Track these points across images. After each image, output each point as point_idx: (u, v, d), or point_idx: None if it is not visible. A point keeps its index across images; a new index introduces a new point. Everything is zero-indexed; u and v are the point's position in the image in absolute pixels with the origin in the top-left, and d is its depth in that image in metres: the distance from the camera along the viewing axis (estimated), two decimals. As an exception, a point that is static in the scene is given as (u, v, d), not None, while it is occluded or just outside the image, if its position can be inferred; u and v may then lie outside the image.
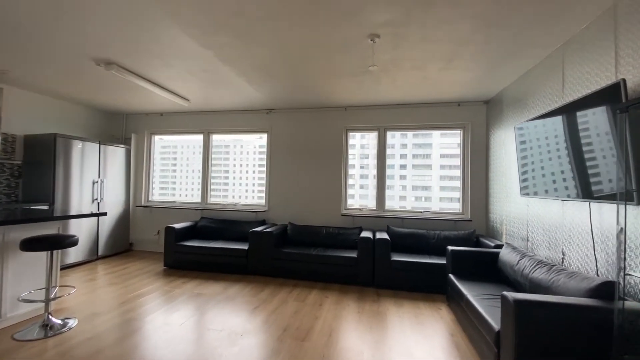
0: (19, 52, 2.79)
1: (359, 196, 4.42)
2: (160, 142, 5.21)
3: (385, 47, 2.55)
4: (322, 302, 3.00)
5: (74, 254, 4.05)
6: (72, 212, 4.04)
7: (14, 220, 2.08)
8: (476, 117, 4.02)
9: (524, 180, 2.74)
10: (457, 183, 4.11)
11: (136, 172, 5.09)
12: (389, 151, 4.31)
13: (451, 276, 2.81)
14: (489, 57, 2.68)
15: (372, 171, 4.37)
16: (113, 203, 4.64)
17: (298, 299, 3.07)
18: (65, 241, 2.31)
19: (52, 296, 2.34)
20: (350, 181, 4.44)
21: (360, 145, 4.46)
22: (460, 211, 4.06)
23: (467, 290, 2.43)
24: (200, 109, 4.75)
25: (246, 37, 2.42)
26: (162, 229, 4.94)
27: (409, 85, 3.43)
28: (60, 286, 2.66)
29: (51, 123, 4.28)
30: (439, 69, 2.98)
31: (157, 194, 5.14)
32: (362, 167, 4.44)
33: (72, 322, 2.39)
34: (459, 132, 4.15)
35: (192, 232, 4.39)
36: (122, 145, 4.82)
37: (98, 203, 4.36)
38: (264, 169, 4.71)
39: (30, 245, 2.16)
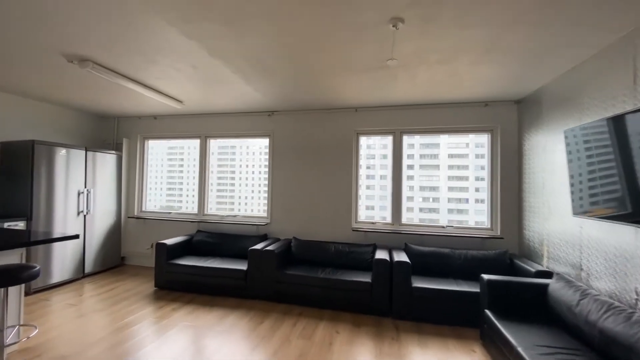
0: (-22, 48, 2.39)
1: (373, 208, 3.94)
2: (167, 144, 4.75)
3: (409, 35, 2.07)
4: (332, 339, 2.54)
5: (58, 273, 3.66)
6: (56, 227, 3.68)
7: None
8: (506, 119, 3.51)
9: (579, 197, 2.23)
10: (481, 195, 3.61)
11: (128, 180, 4.70)
12: (386, 155, 3.82)
13: (488, 313, 2.32)
14: (535, 45, 2.18)
15: (380, 180, 3.89)
16: (102, 214, 4.26)
17: (304, 335, 2.61)
18: (21, 275, 1.89)
19: (6, 341, 1.92)
20: (362, 192, 3.97)
21: (368, 147, 3.98)
22: (489, 226, 3.55)
23: (514, 336, 1.94)
24: (196, 112, 4.33)
25: (237, 24, 1.97)
26: (156, 242, 4.54)
27: (431, 82, 2.94)
28: (22, 325, 2.25)
29: (33, 128, 3.91)
30: (470, 63, 2.49)
31: (164, 200, 4.72)
32: (368, 177, 3.96)
33: (31, 372, 1.98)
34: (485, 136, 3.64)
35: (187, 248, 3.97)
36: (113, 152, 4.43)
37: (84, 215, 3.97)
38: (266, 176, 4.27)
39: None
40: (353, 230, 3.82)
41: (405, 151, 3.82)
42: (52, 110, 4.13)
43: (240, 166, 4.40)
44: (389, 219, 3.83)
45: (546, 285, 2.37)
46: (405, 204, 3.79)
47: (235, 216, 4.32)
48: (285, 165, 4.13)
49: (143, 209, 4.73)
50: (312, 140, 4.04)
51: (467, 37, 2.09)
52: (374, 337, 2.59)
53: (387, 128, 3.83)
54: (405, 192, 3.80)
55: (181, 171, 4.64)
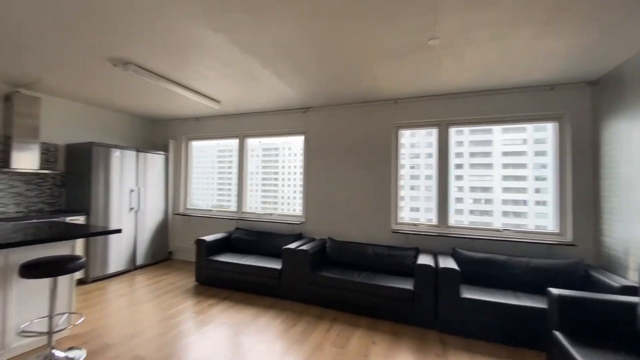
0: (44, 58, 2.66)
1: (419, 210, 3.62)
2: (217, 147, 4.92)
3: (453, 7, 1.79)
4: (367, 350, 2.33)
5: (114, 264, 3.98)
6: (112, 222, 4.01)
7: (7, 244, 1.83)
8: (577, 104, 2.96)
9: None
10: (542, 196, 3.08)
11: (175, 179, 4.98)
12: (427, 149, 3.44)
13: (559, 335, 1.92)
14: (615, 8, 1.75)
15: (425, 181, 3.55)
16: (152, 211, 4.55)
17: (337, 343, 2.43)
18: (67, 266, 2.02)
19: (55, 328, 2.07)
20: (406, 192, 3.67)
21: (411, 145, 3.67)
22: (557, 231, 3.03)
23: (596, 369, 1.55)
24: (234, 112, 4.42)
25: (261, 13, 1.88)
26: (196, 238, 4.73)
27: (483, 64, 2.58)
28: (71, 313, 2.42)
29: (93, 131, 4.31)
30: (530, 37, 2.11)
31: (215, 200, 4.92)
32: (412, 177, 3.64)
33: (79, 356, 2.10)
34: (548, 129, 3.11)
35: (225, 244, 4.05)
36: (162, 152, 4.72)
37: (136, 212, 4.27)
38: (301, 174, 4.19)
39: (28, 271, 1.90)
40: (393, 232, 3.55)
41: (453, 149, 3.43)
42: (109, 116, 4.53)
43: (283, 167, 4.37)
44: (434, 221, 3.48)
45: (635, 305, 1.89)
46: (452, 205, 3.42)
47: (271, 214, 4.31)
48: (320, 163, 4.00)
49: (188, 207, 4.97)
50: (348, 136, 3.86)
51: (525, 4, 1.75)
52: (415, 351, 2.32)
53: (431, 120, 3.50)
54: (454, 193, 3.42)
55: (230, 172, 4.73)
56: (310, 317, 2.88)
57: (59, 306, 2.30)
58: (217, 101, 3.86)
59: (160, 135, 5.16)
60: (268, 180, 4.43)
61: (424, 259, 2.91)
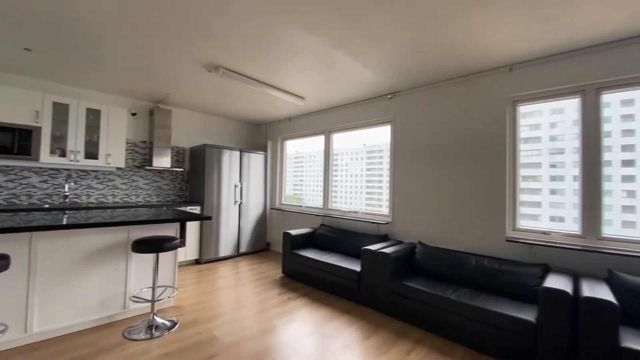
0: (166, 76, 3.25)
1: (563, 220, 2.65)
2: (356, 156, 5.12)
3: None
4: (456, 392, 1.76)
5: (223, 249, 4.57)
6: (222, 213, 4.61)
7: (124, 222, 2.25)
8: None
9: None
10: None
11: (272, 176, 5.37)
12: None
13: None
14: None
15: (573, 183, 2.51)
16: (254, 205, 5.02)
17: (416, 371, 1.95)
18: (165, 244, 2.34)
19: (157, 297, 2.42)
20: (523, 183, 2.76)
21: (552, 138, 2.68)
22: None
23: None
24: (319, 108, 4.39)
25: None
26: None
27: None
28: (170, 287, 2.80)
29: (210, 136, 5.10)
30: None
31: (339, 201, 5.17)
32: (555, 178, 2.65)
33: (173, 325, 2.40)
34: None
35: (310, 240, 4.03)
36: (262, 152, 5.17)
37: (239, 205, 4.80)
38: (388, 167, 3.75)
39: (137, 246, 2.29)
40: (508, 241, 2.69)
41: (614, 125, 2.33)
42: (222, 122, 5.27)
43: (388, 169, 4.06)
44: (576, 230, 2.45)
45: None
46: (604, 211, 2.31)
47: (356, 212, 4.04)
48: (410, 154, 3.46)
49: (282, 202, 5.27)
50: (444, 121, 3.19)
51: None
52: (533, 413, 1.60)
53: (568, 86, 2.48)
54: (617, 190, 2.31)
55: (336, 175, 4.70)
56: (388, 332, 2.46)
57: (161, 280, 2.72)
58: (302, 97, 3.89)
59: (261, 136, 5.68)
60: (372, 181, 4.18)
61: (556, 281, 2.04)
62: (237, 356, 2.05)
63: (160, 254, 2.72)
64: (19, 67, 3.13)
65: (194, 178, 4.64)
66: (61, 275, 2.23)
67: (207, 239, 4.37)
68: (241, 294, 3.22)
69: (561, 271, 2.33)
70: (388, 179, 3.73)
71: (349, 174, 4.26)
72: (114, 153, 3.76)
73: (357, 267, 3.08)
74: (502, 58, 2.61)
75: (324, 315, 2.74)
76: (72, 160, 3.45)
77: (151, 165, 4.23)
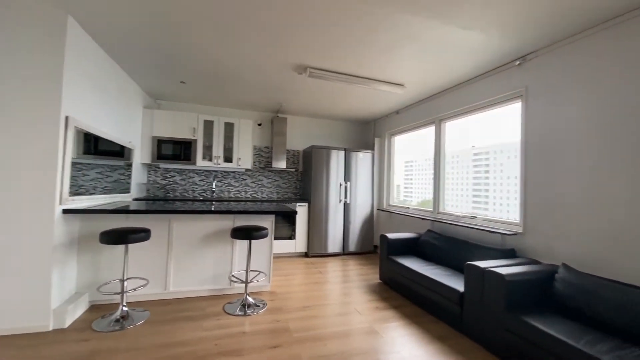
0: (266, 86, 3.69)
1: None
2: (472, 150, 4.49)
3: None
4: None
5: (330, 246, 4.71)
6: (329, 210, 4.78)
7: (222, 211, 2.67)
8: None
9: None
10: None
11: (379, 175, 5.09)
12: None
13: None
14: None
15: None
16: (361, 205, 4.92)
17: None
18: (254, 233, 2.61)
19: (249, 280, 2.72)
20: None
21: None
22: None
23: None
24: (425, 95, 3.80)
25: None
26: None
27: None
28: (260, 272, 3.06)
29: (321, 138, 5.39)
30: None
31: (470, 207, 4.74)
32: None
33: (261, 308, 2.64)
34: None
35: (412, 246, 3.53)
36: (367, 151, 5.01)
37: (344, 204, 4.81)
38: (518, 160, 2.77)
39: (234, 233, 2.65)
40: None
41: None
42: (329, 123, 5.47)
43: (517, 160, 3.15)
44: None
45: None
46: None
47: (473, 218, 3.22)
48: (552, 139, 2.43)
49: (390, 203, 4.90)
50: (609, 86, 2.05)
51: None
52: None
53: None
54: None
55: (487, 177, 4.06)
56: (492, 382, 1.79)
57: (256, 265, 3.04)
58: (400, 85, 3.48)
59: (369, 134, 5.51)
60: (478, 181, 3.36)
61: None
62: (297, 354, 2.01)
63: (257, 243, 3.05)
64: (181, 97, 4.34)
65: (305, 177, 5.01)
66: (188, 251, 2.87)
67: (315, 235, 4.61)
68: (331, 292, 3.18)
69: None
70: (519, 173, 2.77)
71: (464, 171, 3.46)
72: (242, 157, 4.58)
73: (460, 287, 2.43)
74: None
75: (411, 336, 2.30)
76: (215, 164, 4.45)
77: (271, 167, 4.87)
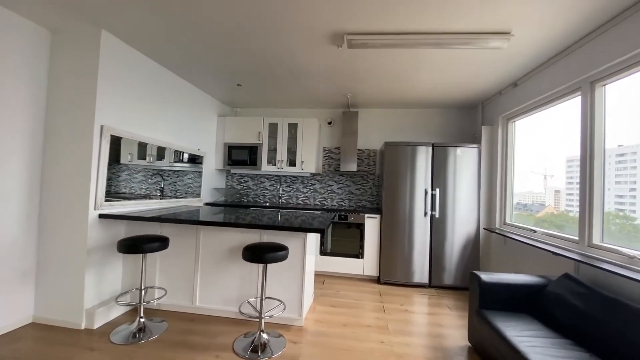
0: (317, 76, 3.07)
1: None
2: None
3: None
4: None
5: (404, 273, 3.55)
6: (405, 225, 3.64)
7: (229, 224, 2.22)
8: None
9: None
10: None
11: (489, 181, 3.55)
12: None
13: None
14: None
15: None
16: (459, 220, 3.53)
17: None
18: (267, 255, 2.05)
19: (263, 313, 2.16)
20: None
21: None
22: None
23: None
24: (560, 46, 2.24)
25: None
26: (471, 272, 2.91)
27: None
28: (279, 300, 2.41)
29: (405, 132, 4.28)
30: None
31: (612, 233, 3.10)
32: None
33: (275, 354, 2.04)
34: None
35: (530, 300, 2.10)
36: (472, 145, 3.59)
37: (430, 217, 3.56)
38: None
39: (243, 252, 2.16)
40: None
41: None
42: (411, 114, 4.26)
43: None
44: None
45: None
46: None
47: (673, 266, 1.56)
48: None
49: (507, 221, 3.31)
50: None
51: None
52: None
53: None
54: None
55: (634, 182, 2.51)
56: None
57: (279, 291, 2.44)
58: (505, 33, 2.16)
59: (471, 122, 3.99)
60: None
61: None
62: None
63: (285, 264, 2.46)
64: (252, 103, 4.29)
65: (381, 182, 4.06)
66: (214, 265, 2.59)
67: (387, 256, 3.62)
68: (385, 347, 2.22)
69: None
70: None
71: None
72: (306, 160, 4.11)
73: None
74: None
75: None
76: (279, 168, 4.16)
77: (339, 170, 4.20)
